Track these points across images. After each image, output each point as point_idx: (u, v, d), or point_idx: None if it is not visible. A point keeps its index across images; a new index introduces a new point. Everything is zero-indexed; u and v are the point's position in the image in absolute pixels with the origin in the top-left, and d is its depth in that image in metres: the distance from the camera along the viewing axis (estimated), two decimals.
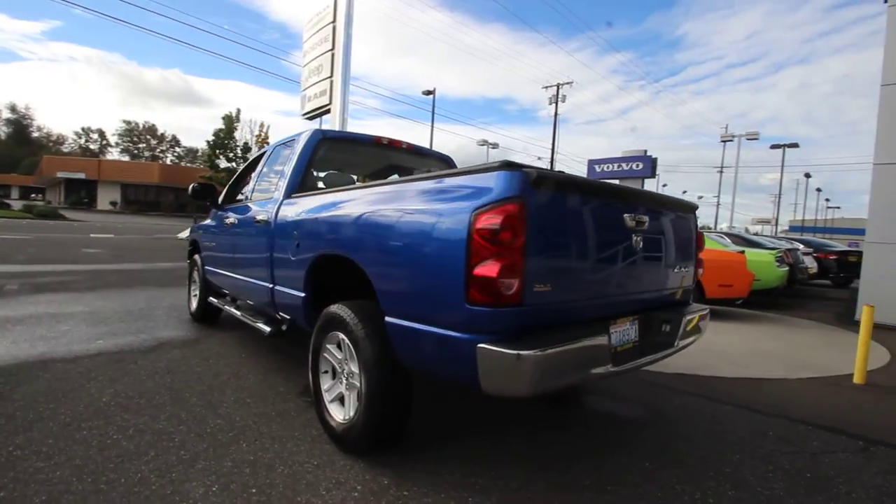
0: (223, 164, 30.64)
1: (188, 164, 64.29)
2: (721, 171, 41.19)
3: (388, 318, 1.90)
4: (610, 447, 2.42)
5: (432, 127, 26.77)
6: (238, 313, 3.63)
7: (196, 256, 4.77)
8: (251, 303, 3.59)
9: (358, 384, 2.12)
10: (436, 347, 1.68)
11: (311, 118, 19.83)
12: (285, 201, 2.96)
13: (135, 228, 20.49)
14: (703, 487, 2.04)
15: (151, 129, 72.73)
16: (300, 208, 2.69)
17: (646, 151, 26.02)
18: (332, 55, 17.24)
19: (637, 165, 25.44)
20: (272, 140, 32.69)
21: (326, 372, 2.43)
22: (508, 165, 1.58)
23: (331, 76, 17.12)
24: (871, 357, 4.02)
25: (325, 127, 16.03)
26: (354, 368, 2.18)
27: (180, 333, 4.28)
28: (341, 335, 2.24)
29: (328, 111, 17.37)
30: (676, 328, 2.28)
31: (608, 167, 25.36)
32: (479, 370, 1.51)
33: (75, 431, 2.30)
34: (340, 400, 2.33)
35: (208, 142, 30.53)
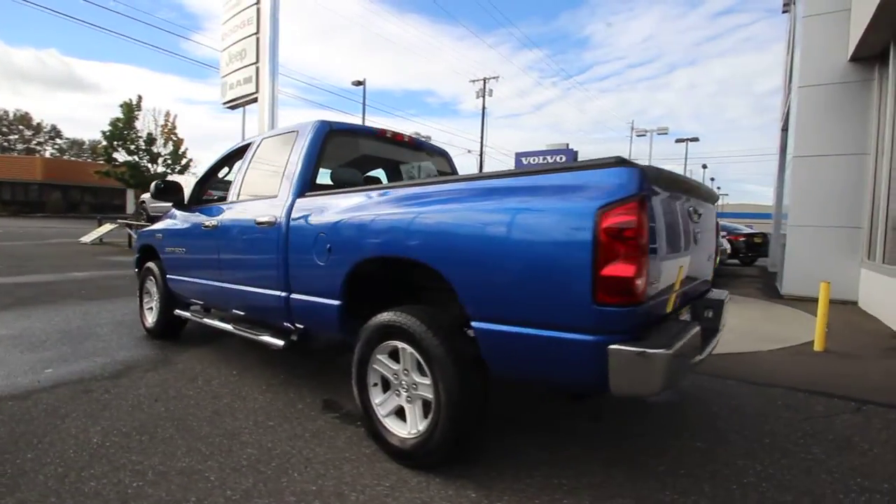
0: (123, 156, 27.33)
1: (73, 158, 56.49)
2: None
3: (476, 324, 1.78)
4: (657, 431, 2.50)
5: (363, 119, 25.95)
6: (228, 327, 3.24)
7: (150, 265, 4.19)
8: (242, 313, 3.22)
9: (430, 395, 1.98)
10: (549, 351, 1.60)
11: (233, 107, 18.42)
12: (299, 201, 2.67)
13: (20, 233, 17.60)
14: (760, 459, 2.19)
15: (24, 119, 62.63)
16: (328, 208, 2.43)
17: (567, 145, 27.48)
18: (258, 39, 16.14)
19: (560, 158, 26.76)
20: (180, 131, 29.76)
21: (376, 385, 2.24)
22: (623, 161, 1.54)
23: (256, 62, 16.05)
24: (811, 326, 4.59)
25: (248, 118, 14.88)
26: (420, 378, 2.04)
27: (144, 353, 3.74)
28: (400, 344, 2.08)
29: (255, 100, 16.27)
30: (718, 313, 2.41)
31: (534, 160, 26.36)
32: (611, 371, 1.47)
33: (79, 483, 1.90)
34: (397, 413, 2.17)
35: (104, 132, 27.07)
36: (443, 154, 3.81)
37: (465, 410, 1.89)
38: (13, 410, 2.59)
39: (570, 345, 1.54)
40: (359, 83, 25.59)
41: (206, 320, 3.51)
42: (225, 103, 17.54)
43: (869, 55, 6.17)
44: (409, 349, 2.04)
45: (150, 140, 27.92)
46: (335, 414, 2.64)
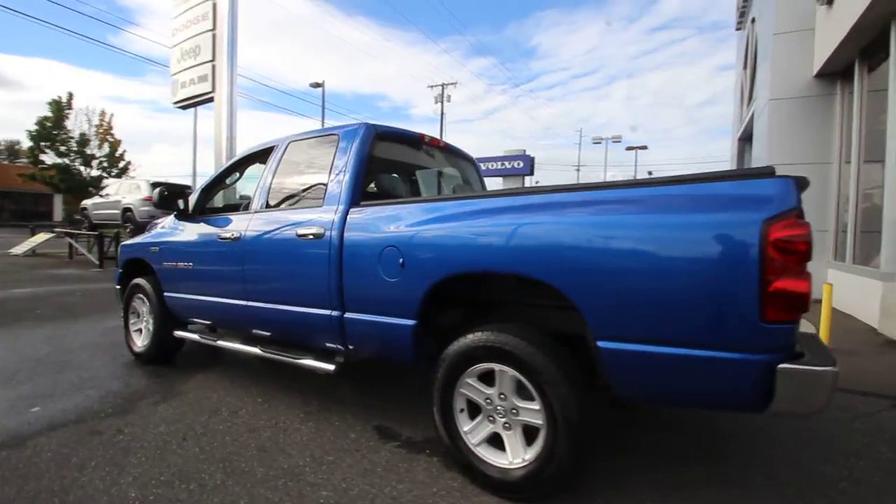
0: (52, 159, 24.87)
1: None
2: (578, 170, 46.79)
3: (605, 344, 1.65)
4: (724, 440, 2.48)
5: (323, 123, 25.13)
6: (254, 350, 2.91)
7: (139, 281, 3.73)
8: (267, 334, 2.91)
9: (537, 420, 1.83)
10: (700, 371, 1.50)
11: (185, 107, 17.36)
12: (353, 210, 2.43)
13: None
14: (843, 463, 2.21)
15: None
16: (402, 218, 2.21)
17: (525, 151, 28.08)
18: (214, 36, 15.34)
19: (518, 164, 27.26)
20: (117, 131, 27.42)
21: (463, 410, 2.06)
22: (774, 172, 1.48)
23: (212, 60, 15.23)
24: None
25: (203, 119, 14.04)
26: (523, 403, 1.88)
27: (141, 382, 3.30)
28: (497, 366, 1.91)
29: (211, 100, 15.41)
30: None
31: (492, 165, 26.69)
32: (778, 391, 1.39)
33: None
34: (489, 442, 2.00)
35: (30, 132, 24.56)
36: (471, 160, 3.67)
37: (585, 436, 1.76)
38: (13, 463, 2.16)
39: (731, 365, 1.45)
40: (317, 85, 24.82)
41: (224, 343, 3.15)
42: (176, 103, 16.46)
43: (832, 71, 6.68)
44: (511, 372, 1.88)
45: (83, 141, 25.62)
46: (396, 442, 2.42)
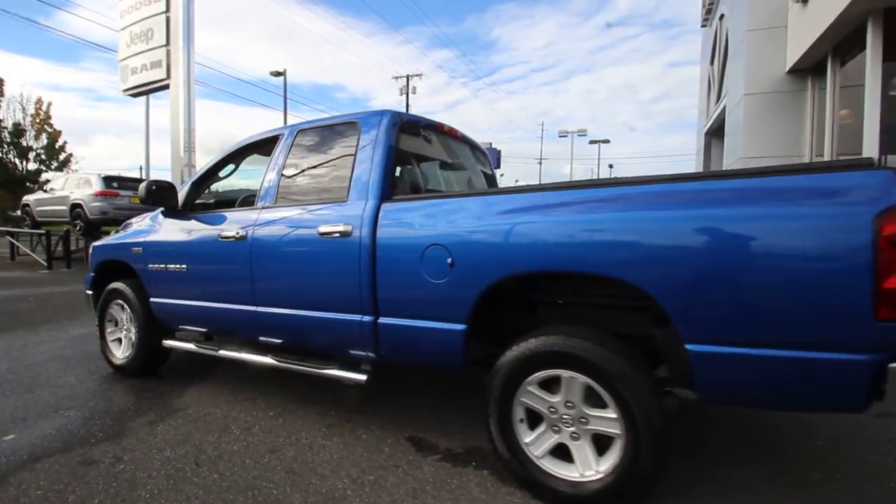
0: None
1: None
2: (541, 163, 47.57)
3: (696, 347, 1.55)
4: (773, 434, 2.46)
5: (285, 113, 24.16)
6: (266, 360, 2.65)
7: (118, 286, 3.35)
8: (278, 341, 2.65)
9: (612, 429, 1.71)
10: (803, 373, 1.42)
11: (136, 95, 16.32)
12: (386, 205, 2.22)
13: None
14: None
15: None
16: (449, 214, 2.03)
17: (490, 144, 28.16)
18: (168, 19, 14.46)
19: None
20: (56, 121, 25.20)
21: (522, 420, 1.91)
22: (873, 163, 1.41)
23: (167, 44, 14.37)
24: None
25: (155, 108, 13.21)
26: (594, 411, 1.76)
27: (127, 398, 2.95)
28: (565, 373, 1.78)
29: (166, 87, 14.55)
30: None
31: None
32: (886, 391, 1.33)
33: None
34: (553, 453, 1.87)
35: None
36: (483, 152, 3.50)
37: (666, 445, 1.65)
38: None
39: (840, 365, 1.37)
40: (278, 74, 23.76)
41: (228, 353, 2.85)
42: (126, 90, 15.41)
43: (804, 68, 6.96)
44: (581, 378, 1.75)
45: (18, 132, 23.49)
46: (436, 455, 2.25)
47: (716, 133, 11.37)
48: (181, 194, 3.06)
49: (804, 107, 7.06)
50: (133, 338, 3.32)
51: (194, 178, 3.11)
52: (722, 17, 9.82)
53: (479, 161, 3.41)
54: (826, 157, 6.45)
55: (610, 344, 1.72)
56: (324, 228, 2.32)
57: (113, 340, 3.48)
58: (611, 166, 49.12)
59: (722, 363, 1.53)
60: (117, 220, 11.02)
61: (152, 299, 3.16)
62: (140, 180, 14.42)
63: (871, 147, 5.18)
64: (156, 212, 3.26)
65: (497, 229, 1.88)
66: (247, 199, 3.40)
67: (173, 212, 3.05)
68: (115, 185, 11.55)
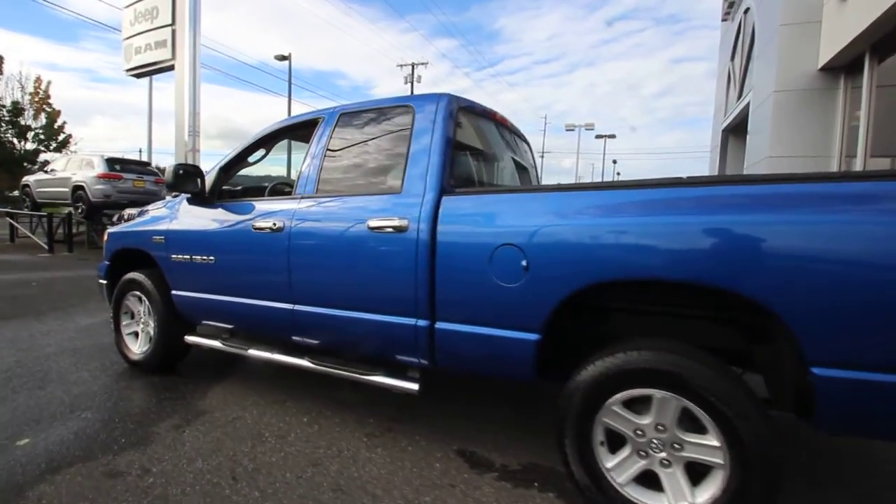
0: None
1: None
2: (542, 156, 47.13)
3: (824, 371, 1.36)
4: (843, 453, 2.30)
5: (290, 99, 23.71)
6: (303, 362, 2.45)
7: (136, 276, 3.14)
8: (315, 342, 2.45)
9: (712, 458, 1.52)
10: None
11: (139, 75, 15.98)
12: (448, 199, 2.01)
13: None
14: None
15: None
16: (521, 211, 1.82)
17: None
18: None
19: None
20: (55, 101, 24.62)
21: (603, 443, 1.73)
22: None
23: (172, 24, 14.02)
24: None
25: (159, 90, 12.86)
26: (690, 437, 1.57)
27: (149, 399, 2.76)
28: (659, 393, 1.59)
29: (171, 68, 14.21)
30: None
31: None
32: None
33: None
34: (639, 480, 1.68)
35: None
36: (528, 143, 3.29)
37: (780, 479, 1.47)
38: None
39: None
40: (283, 58, 23.29)
41: (258, 353, 2.65)
42: (129, 70, 15.04)
43: (838, 66, 6.73)
44: (678, 400, 1.56)
45: (17, 110, 22.99)
46: (493, 473, 2.06)
47: (734, 130, 11.15)
48: (207, 181, 2.83)
49: (835, 106, 6.85)
50: (151, 332, 3.12)
51: (221, 163, 2.89)
52: (747, 10, 9.56)
53: (526, 153, 3.20)
54: (859, 158, 6.26)
55: (713, 363, 1.54)
56: (375, 222, 2.11)
57: (129, 334, 3.27)
58: (615, 161, 48.84)
59: (856, 391, 1.34)
60: (120, 204, 10.75)
61: (174, 292, 2.95)
62: (144, 163, 14.10)
63: None
64: (178, 198, 3.04)
65: (586, 230, 1.68)
66: (276, 188, 3.19)
67: (200, 199, 2.83)
68: (117, 167, 11.27)
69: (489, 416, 2.63)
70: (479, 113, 2.54)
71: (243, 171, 3.20)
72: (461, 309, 1.95)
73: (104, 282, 3.42)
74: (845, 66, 6.71)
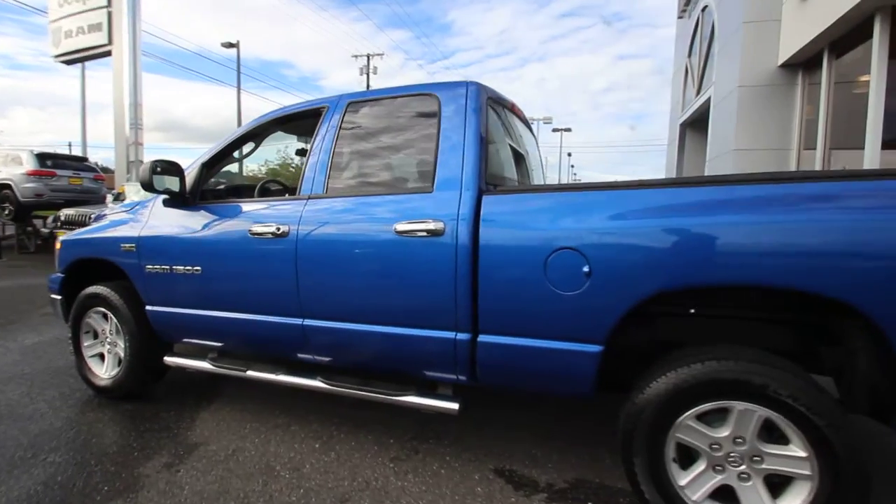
0: None
1: None
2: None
3: None
4: None
5: (238, 89, 22.38)
6: (317, 383, 2.18)
7: (100, 290, 2.71)
8: (327, 359, 2.20)
9: (801, 470, 1.43)
10: None
11: (70, 62, 14.69)
12: (489, 198, 1.81)
13: None
14: None
15: None
16: (582, 211, 1.65)
17: None
18: None
19: None
20: None
21: (675, 460, 1.60)
22: None
23: (108, 5, 12.96)
24: None
25: (88, 78, 11.82)
26: (774, 448, 1.47)
27: (127, 433, 2.39)
28: (740, 405, 1.47)
29: (107, 53, 13.10)
30: None
31: None
32: None
33: None
34: (714, 496, 1.57)
35: None
36: (534, 134, 3.13)
37: (870, 485, 1.40)
38: None
39: None
40: (231, 45, 21.97)
41: (258, 374, 2.34)
42: (57, 56, 13.74)
43: (796, 62, 7.05)
44: (761, 411, 1.46)
45: None
46: (541, 494, 1.90)
47: (692, 125, 11.58)
48: (188, 179, 2.48)
49: (794, 101, 7.20)
50: (121, 353, 2.72)
51: (203, 158, 2.53)
52: (705, 8, 9.89)
53: (534, 147, 3.04)
54: (818, 151, 6.61)
55: (799, 371, 1.44)
56: (403, 226, 1.88)
57: (93, 356, 2.85)
58: (569, 154, 50.10)
59: None
60: (55, 204, 9.71)
61: (150, 307, 2.57)
62: (80, 158, 12.81)
63: (874, 143, 5.30)
64: (150, 200, 2.65)
65: (660, 231, 1.53)
66: (266, 188, 2.86)
67: (180, 200, 2.47)
68: (49, 163, 10.17)
69: (516, 425, 2.47)
70: (501, 102, 2.35)
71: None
72: (509, 320, 1.76)
73: (58, 297, 2.96)
74: (802, 64, 7.04)
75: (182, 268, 2.41)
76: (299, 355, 2.27)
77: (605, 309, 1.60)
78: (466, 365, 1.86)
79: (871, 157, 5.32)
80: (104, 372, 2.81)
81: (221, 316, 2.35)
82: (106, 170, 15.57)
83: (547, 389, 1.86)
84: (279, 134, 2.80)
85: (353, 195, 2.09)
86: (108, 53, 12.43)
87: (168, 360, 2.63)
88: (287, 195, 2.64)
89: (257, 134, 2.57)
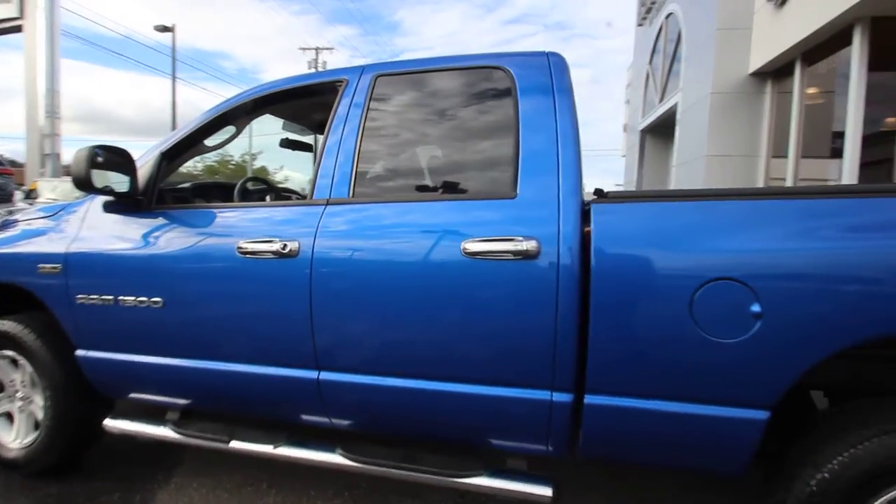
0: None
1: None
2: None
3: None
4: None
5: (174, 78, 20.38)
6: (341, 460, 1.58)
7: (7, 325, 1.96)
8: (347, 422, 1.62)
9: None
10: None
11: None
12: (602, 208, 1.32)
13: None
14: None
15: None
16: (741, 228, 1.20)
17: None
18: None
19: None
20: None
21: None
22: None
23: None
24: None
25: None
26: None
27: None
28: None
29: (18, 29, 11.54)
30: None
31: None
32: None
33: None
34: None
35: None
36: None
37: None
38: None
39: None
40: (165, 29, 20.05)
41: (248, 446, 1.70)
42: None
43: (766, 71, 7.18)
44: None
45: None
46: None
47: (653, 131, 11.76)
48: (141, 175, 1.79)
49: (762, 109, 7.34)
50: (38, 413, 1.97)
51: (163, 146, 1.85)
52: (669, 15, 10.03)
53: None
54: (790, 160, 6.74)
55: None
56: (476, 245, 1.35)
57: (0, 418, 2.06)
58: None
59: None
60: None
61: (83, 352, 1.86)
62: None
63: (852, 152, 5.40)
64: (84, 201, 1.93)
65: (869, 255, 1.11)
66: (246, 189, 2.21)
67: (129, 203, 1.78)
68: None
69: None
70: None
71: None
72: (632, 376, 1.28)
73: None
74: (773, 73, 7.18)
75: (133, 299, 1.72)
76: (305, 417, 1.67)
77: (783, 363, 1.16)
78: (563, 434, 1.37)
79: (851, 168, 5.40)
80: (13, 439, 2.03)
81: (193, 366, 1.70)
82: (14, 163, 13.54)
83: (677, 465, 1.39)
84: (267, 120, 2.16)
85: (393, 200, 1.53)
86: (19, 29, 10.78)
87: (109, 424, 1.91)
88: (295, 198, 2.03)
89: (237, 116, 1.92)
